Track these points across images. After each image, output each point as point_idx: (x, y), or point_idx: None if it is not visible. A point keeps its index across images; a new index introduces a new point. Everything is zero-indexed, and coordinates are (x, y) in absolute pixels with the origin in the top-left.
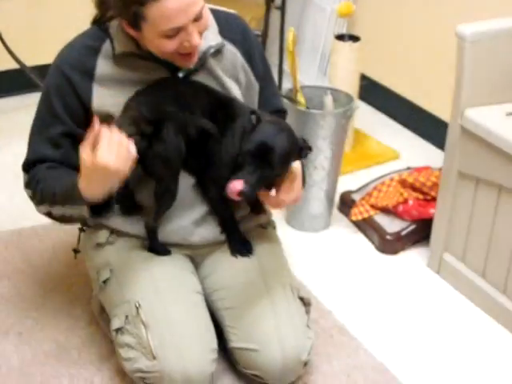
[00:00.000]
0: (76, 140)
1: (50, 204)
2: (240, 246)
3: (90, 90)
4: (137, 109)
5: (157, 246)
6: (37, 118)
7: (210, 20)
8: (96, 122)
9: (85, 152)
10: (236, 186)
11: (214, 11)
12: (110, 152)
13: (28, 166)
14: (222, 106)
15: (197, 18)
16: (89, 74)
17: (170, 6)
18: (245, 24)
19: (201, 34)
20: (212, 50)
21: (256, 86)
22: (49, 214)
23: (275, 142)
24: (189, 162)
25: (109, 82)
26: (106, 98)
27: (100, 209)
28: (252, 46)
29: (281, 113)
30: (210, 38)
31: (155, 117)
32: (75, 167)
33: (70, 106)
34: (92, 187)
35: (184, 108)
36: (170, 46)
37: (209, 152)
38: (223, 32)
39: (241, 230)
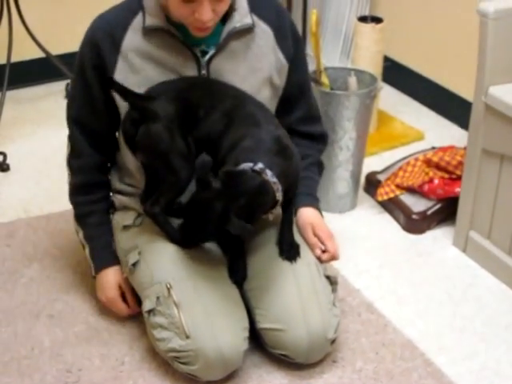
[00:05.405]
0: (113, 108)
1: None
2: (289, 247)
3: (114, 63)
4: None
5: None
6: (74, 87)
7: (238, 2)
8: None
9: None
10: None
11: None
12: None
13: (71, 122)
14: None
15: None
16: (116, 46)
17: None
18: (278, 2)
19: (218, 14)
20: (234, 31)
21: (285, 65)
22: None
23: None
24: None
25: (133, 56)
26: (128, 74)
27: None
28: (285, 25)
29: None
30: (236, 19)
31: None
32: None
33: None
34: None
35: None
36: (182, 10)
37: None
38: (256, 10)
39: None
